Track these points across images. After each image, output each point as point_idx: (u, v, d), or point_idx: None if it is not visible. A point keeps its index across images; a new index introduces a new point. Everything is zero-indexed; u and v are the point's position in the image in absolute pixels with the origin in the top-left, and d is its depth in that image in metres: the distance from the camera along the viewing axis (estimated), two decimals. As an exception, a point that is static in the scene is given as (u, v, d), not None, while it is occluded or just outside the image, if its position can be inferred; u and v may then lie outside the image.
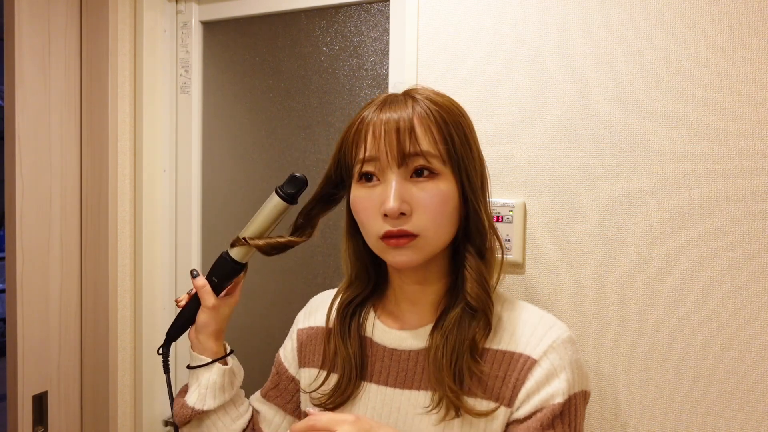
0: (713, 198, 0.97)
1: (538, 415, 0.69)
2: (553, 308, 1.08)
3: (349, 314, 0.82)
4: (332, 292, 0.91)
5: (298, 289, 1.37)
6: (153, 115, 1.42)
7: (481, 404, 0.71)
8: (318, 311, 0.90)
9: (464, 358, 0.70)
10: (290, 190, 0.83)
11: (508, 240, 1.09)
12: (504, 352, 0.73)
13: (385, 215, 0.69)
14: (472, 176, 0.73)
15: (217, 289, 0.85)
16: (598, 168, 1.04)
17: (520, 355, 0.72)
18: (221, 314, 0.86)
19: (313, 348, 0.87)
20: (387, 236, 0.70)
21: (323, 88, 1.34)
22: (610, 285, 1.04)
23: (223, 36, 1.45)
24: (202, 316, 0.85)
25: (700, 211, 0.98)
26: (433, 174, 0.70)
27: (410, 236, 0.69)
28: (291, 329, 0.94)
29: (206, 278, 0.85)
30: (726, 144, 0.96)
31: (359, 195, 0.74)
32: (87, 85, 1.35)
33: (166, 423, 1.47)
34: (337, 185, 0.81)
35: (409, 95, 0.74)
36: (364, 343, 0.81)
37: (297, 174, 0.83)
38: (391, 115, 0.71)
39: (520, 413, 0.70)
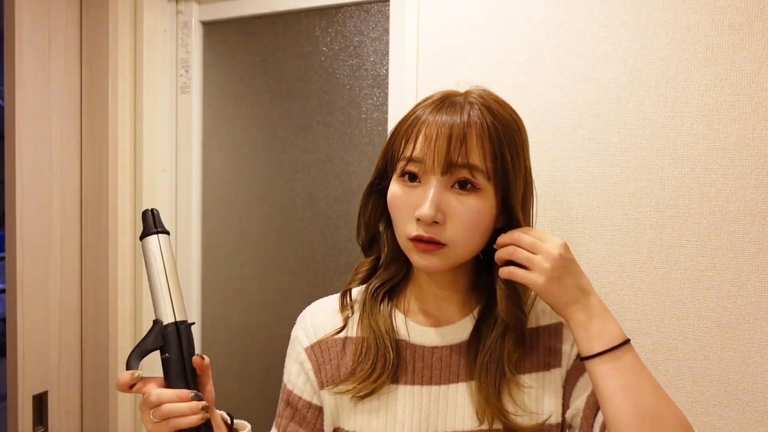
0: (713, 198, 0.97)
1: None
2: (553, 308, 1.08)
3: (379, 300, 0.79)
4: (326, 301, 0.86)
5: (298, 289, 1.37)
6: (153, 115, 1.42)
7: (523, 419, 0.73)
8: (322, 324, 0.83)
9: (507, 380, 0.73)
10: (158, 225, 0.72)
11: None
12: (536, 330, 0.78)
13: (418, 219, 0.69)
14: (515, 193, 0.71)
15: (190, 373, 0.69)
16: (598, 168, 1.04)
17: (547, 326, 0.78)
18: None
19: (336, 364, 0.79)
20: (416, 239, 0.70)
21: (323, 88, 1.34)
22: (610, 285, 1.04)
23: (223, 36, 1.45)
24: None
25: (700, 211, 0.98)
26: (474, 188, 0.69)
27: (439, 244, 0.69)
28: (290, 352, 0.85)
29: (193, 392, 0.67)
30: (726, 144, 0.96)
31: (398, 192, 0.73)
32: (87, 85, 1.35)
33: (166, 423, 1.47)
34: (383, 177, 0.79)
35: (468, 99, 0.72)
36: (399, 345, 0.77)
37: (147, 209, 0.74)
38: (446, 119, 0.69)
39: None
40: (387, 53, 1.25)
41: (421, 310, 0.79)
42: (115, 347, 1.36)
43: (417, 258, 0.72)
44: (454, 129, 0.67)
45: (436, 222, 0.69)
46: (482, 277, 0.80)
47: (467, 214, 0.69)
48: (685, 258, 0.99)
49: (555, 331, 0.78)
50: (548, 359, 0.76)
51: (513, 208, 0.72)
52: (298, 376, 0.81)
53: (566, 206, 1.06)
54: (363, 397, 0.75)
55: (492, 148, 0.68)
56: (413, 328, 0.78)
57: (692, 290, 0.99)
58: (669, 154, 1.00)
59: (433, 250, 0.70)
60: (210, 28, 1.46)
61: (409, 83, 1.18)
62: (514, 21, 1.09)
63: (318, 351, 0.80)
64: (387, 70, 1.25)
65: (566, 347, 0.77)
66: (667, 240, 1.00)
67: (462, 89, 0.75)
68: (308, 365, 0.80)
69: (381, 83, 1.27)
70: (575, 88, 1.05)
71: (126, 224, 1.38)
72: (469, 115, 0.69)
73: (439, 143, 0.67)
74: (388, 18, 1.24)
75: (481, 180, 0.69)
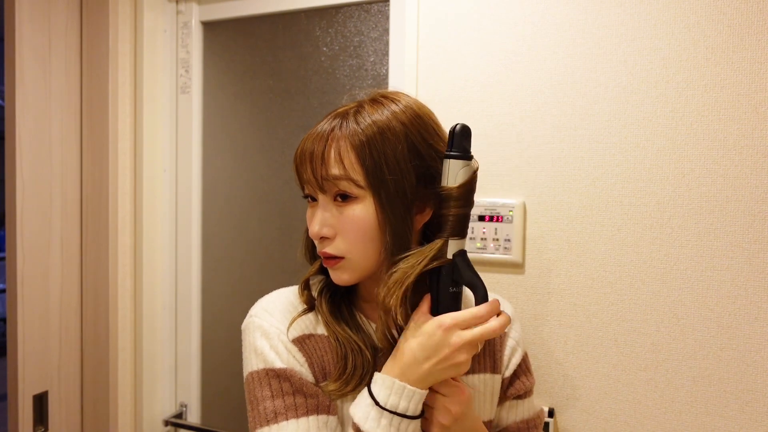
0: (713, 198, 0.97)
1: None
2: (553, 308, 1.08)
3: (338, 302, 0.79)
4: (287, 295, 0.81)
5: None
6: (153, 115, 1.42)
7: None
8: (297, 319, 0.77)
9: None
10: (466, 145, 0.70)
11: (508, 240, 1.09)
12: None
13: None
14: (392, 196, 0.70)
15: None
16: (598, 168, 1.04)
17: None
18: None
19: (320, 361, 0.75)
20: (322, 255, 0.73)
21: (323, 88, 1.34)
22: (610, 285, 1.04)
23: (223, 36, 1.45)
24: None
25: (700, 211, 0.98)
26: (350, 198, 0.70)
27: (337, 258, 0.72)
28: (269, 341, 0.75)
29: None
30: (726, 144, 0.96)
31: (307, 213, 0.76)
32: (87, 85, 1.35)
33: (166, 423, 1.47)
34: None
35: (347, 111, 0.73)
36: (373, 347, 0.78)
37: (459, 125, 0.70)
38: (306, 144, 0.73)
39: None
40: (387, 53, 1.25)
41: (376, 314, 0.78)
42: (116, 347, 1.36)
43: (330, 272, 0.74)
44: (315, 149, 0.71)
45: (327, 238, 0.72)
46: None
47: (348, 224, 0.70)
48: (685, 258, 0.99)
49: (499, 339, 0.84)
50: (492, 364, 0.83)
51: (392, 212, 0.70)
52: (290, 361, 0.74)
53: (566, 206, 1.07)
54: (342, 396, 0.74)
55: (357, 155, 0.69)
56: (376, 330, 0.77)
57: (692, 290, 0.99)
58: (669, 154, 1.00)
59: (334, 264, 0.72)
60: (210, 28, 1.46)
61: (409, 83, 1.18)
62: (514, 21, 1.09)
63: (305, 345, 0.75)
64: (387, 70, 1.25)
65: (506, 355, 0.84)
66: (667, 240, 1.00)
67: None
68: (300, 357, 0.74)
69: (381, 83, 1.27)
70: (575, 88, 1.05)
71: (126, 224, 1.38)
72: (332, 129, 0.71)
73: (306, 164, 0.72)
74: (388, 18, 1.24)
75: (352, 188, 0.69)
